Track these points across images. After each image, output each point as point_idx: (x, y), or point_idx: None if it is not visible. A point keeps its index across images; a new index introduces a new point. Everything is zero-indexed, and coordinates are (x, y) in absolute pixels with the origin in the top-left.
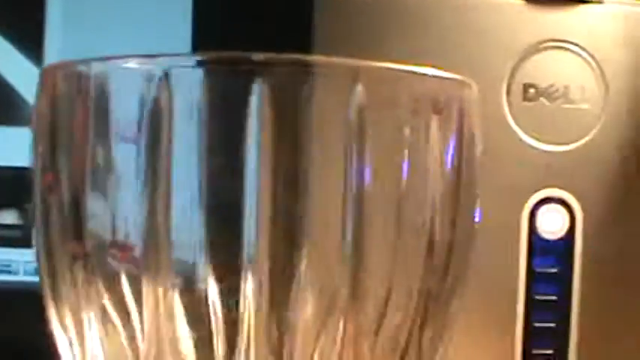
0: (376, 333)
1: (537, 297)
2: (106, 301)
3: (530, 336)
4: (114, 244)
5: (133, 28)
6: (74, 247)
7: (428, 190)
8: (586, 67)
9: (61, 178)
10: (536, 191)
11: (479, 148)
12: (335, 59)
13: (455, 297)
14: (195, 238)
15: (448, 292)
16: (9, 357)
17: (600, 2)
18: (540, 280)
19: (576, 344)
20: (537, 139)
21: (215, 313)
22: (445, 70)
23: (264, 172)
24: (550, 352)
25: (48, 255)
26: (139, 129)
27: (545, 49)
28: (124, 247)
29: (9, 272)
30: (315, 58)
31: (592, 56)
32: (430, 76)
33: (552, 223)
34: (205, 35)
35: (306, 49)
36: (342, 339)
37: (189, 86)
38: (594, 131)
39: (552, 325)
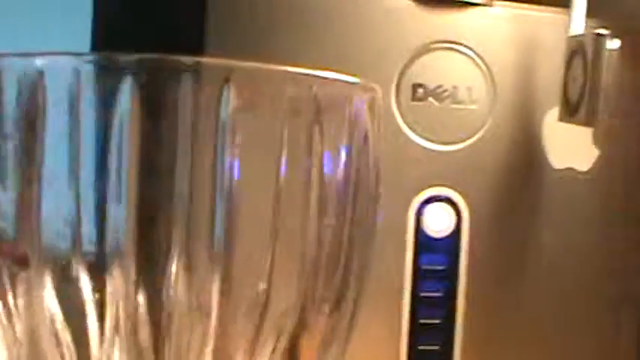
0: (258, 327)
1: (423, 294)
2: None
3: (417, 332)
4: None
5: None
6: None
7: (311, 189)
8: (474, 69)
9: None
10: (422, 190)
11: (378, 149)
12: (207, 59)
13: (345, 300)
14: (67, 228)
15: (337, 294)
16: None
17: (489, 5)
18: (426, 278)
19: (462, 340)
20: (425, 139)
21: (86, 300)
22: (335, 71)
23: (131, 166)
24: (436, 347)
25: None
26: (15, 125)
27: (435, 49)
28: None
29: None
30: (186, 58)
31: (481, 57)
32: (311, 77)
33: (439, 222)
34: (105, 35)
35: (200, 49)
36: (215, 335)
37: (64, 84)
38: (481, 131)
39: (438, 321)
